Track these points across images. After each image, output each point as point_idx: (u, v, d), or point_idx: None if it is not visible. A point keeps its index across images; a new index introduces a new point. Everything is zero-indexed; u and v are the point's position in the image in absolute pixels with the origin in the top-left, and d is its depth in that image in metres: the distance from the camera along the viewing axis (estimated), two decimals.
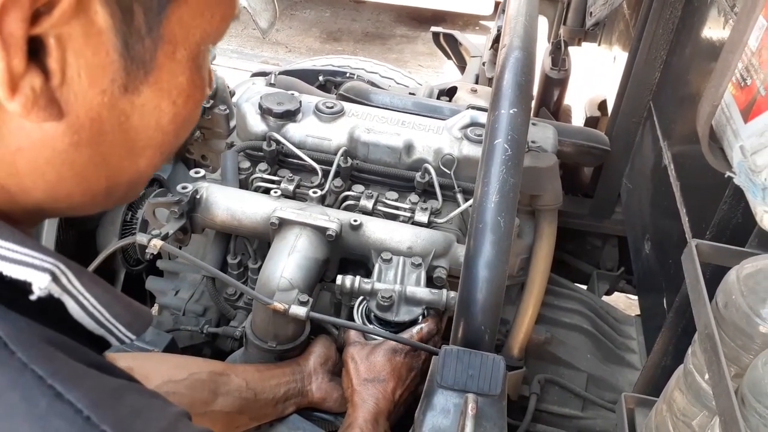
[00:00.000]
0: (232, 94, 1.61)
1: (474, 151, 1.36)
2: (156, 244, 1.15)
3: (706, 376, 0.72)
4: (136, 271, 1.70)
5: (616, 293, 1.97)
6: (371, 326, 1.09)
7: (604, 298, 1.87)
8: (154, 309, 1.66)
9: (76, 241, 1.47)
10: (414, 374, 1.06)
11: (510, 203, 0.90)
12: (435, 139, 1.38)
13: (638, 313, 1.77)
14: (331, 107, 1.42)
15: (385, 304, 1.09)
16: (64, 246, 1.38)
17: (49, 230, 1.34)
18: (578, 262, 1.93)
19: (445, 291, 1.11)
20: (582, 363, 1.48)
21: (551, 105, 2.04)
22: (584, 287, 1.85)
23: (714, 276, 0.77)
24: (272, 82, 1.74)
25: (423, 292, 1.11)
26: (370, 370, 1.03)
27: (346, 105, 1.45)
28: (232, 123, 1.50)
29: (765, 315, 0.61)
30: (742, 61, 0.73)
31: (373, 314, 1.10)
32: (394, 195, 1.35)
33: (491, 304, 0.89)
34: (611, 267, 1.94)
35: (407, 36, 5.18)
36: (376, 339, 1.08)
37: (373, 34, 5.18)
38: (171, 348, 1.25)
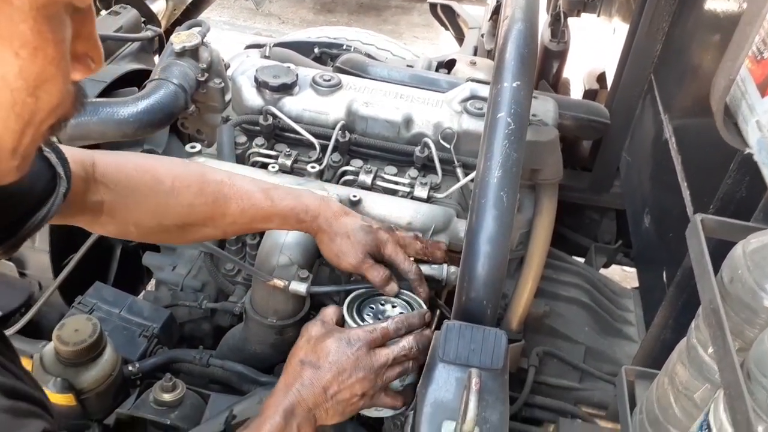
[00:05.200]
0: (227, 66, 1.58)
1: (474, 124, 1.34)
2: None
3: (710, 350, 0.72)
4: (132, 247, 1.69)
5: (612, 266, 1.98)
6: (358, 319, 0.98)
7: (601, 270, 1.88)
8: (151, 284, 1.65)
9: None
10: (362, 376, 0.87)
11: (513, 178, 0.89)
12: (434, 113, 1.36)
13: (634, 285, 1.78)
14: (329, 80, 1.40)
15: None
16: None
17: None
18: (576, 236, 1.93)
19: (445, 266, 1.11)
20: (580, 336, 1.49)
21: (550, 77, 2.02)
22: (582, 260, 1.86)
23: (716, 251, 0.77)
24: (267, 54, 1.70)
25: (423, 268, 1.10)
26: (313, 352, 0.87)
27: (344, 78, 1.43)
28: (227, 97, 1.47)
29: None
30: (759, 34, 0.71)
31: (365, 308, 1.01)
32: (393, 170, 1.34)
33: (493, 279, 0.88)
34: (609, 240, 1.95)
35: (402, 7, 5.09)
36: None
37: (368, 5, 5.09)
38: (169, 324, 1.25)
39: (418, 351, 0.91)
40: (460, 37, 2.38)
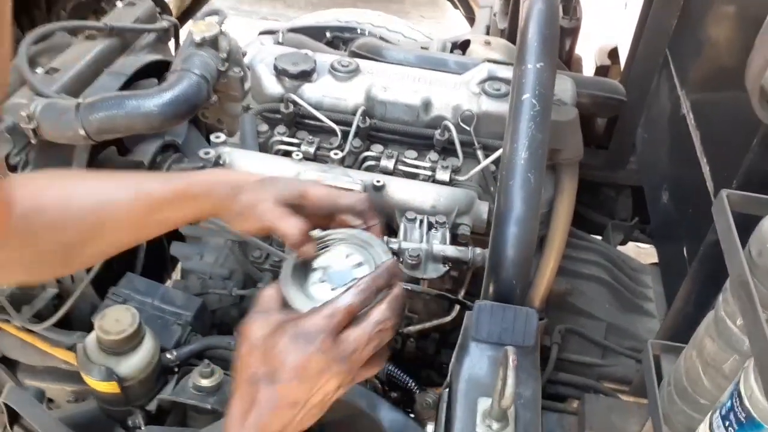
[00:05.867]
0: (243, 55, 1.59)
1: (493, 106, 1.35)
2: None
3: (738, 322, 0.75)
4: (156, 238, 1.72)
5: (628, 243, 1.99)
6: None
7: (618, 247, 1.89)
8: (177, 273, 1.68)
9: None
10: (334, 372, 0.66)
11: (539, 159, 0.91)
12: (453, 96, 1.37)
13: (650, 262, 1.80)
14: (347, 66, 1.41)
15: (413, 262, 1.11)
16: None
17: None
18: (592, 214, 1.94)
19: (470, 247, 1.13)
20: (601, 312, 1.51)
21: (563, 55, 2.01)
22: (599, 238, 1.87)
23: (740, 225, 0.79)
24: (281, 41, 1.71)
25: (450, 250, 1.13)
26: (264, 361, 0.65)
27: (361, 63, 1.44)
28: (247, 85, 1.49)
29: None
30: None
31: (313, 275, 0.74)
32: (414, 154, 1.36)
33: (522, 259, 0.91)
34: (625, 217, 1.96)
35: None
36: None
37: None
38: (202, 311, 1.29)
39: (394, 319, 0.68)
40: (470, 17, 2.38)
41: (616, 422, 1.25)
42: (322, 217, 0.80)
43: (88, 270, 1.39)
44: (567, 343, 1.46)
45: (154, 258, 1.68)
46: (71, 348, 1.33)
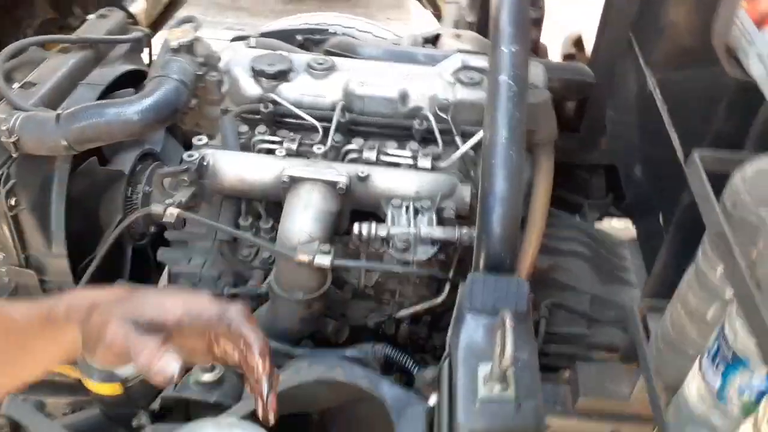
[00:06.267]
0: (218, 59, 1.60)
1: (467, 94, 1.39)
2: (173, 212, 1.18)
3: (718, 272, 0.79)
4: (140, 246, 1.72)
5: (603, 221, 2.05)
6: None
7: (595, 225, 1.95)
8: (164, 279, 1.68)
9: (81, 219, 1.48)
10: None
11: (519, 137, 0.95)
12: (428, 86, 1.41)
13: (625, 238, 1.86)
14: (323, 63, 1.44)
15: (403, 246, 1.14)
16: (74, 223, 1.39)
17: (57, 211, 1.34)
18: (568, 195, 2.00)
19: (457, 227, 1.17)
20: (584, 285, 1.56)
21: (529, 44, 2.07)
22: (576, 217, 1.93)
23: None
24: (253, 45, 1.73)
25: (437, 231, 1.16)
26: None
27: (337, 60, 1.47)
28: (224, 89, 1.50)
29: None
30: None
31: None
32: (394, 144, 1.39)
33: (509, 234, 0.94)
34: (600, 196, 2.02)
35: None
36: None
37: None
38: None
39: None
40: (437, 14, 2.42)
41: (608, 386, 1.30)
42: (193, 337, 0.72)
43: (77, 282, 1.39)
44: (554, 317, 1.51)
45: (139, 266, 1.68)
46: None
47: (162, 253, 1.47)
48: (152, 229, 1.64)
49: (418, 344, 1.43)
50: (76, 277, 1.43)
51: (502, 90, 0.95)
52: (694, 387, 0.83)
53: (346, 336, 1.36)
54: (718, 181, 0.82)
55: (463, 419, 0.80)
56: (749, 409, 0.75)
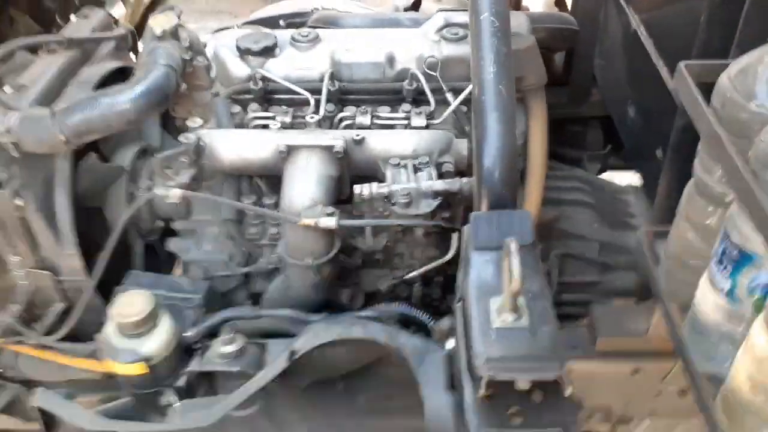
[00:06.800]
0: (204, 46, 1.61)
1: (454, 50, 1.40)
2: (176, 192, 1.19)
3: (716, 175, 0.80)
4: (150, 242, 1.73)
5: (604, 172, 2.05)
6: None
7: None
8: (178, 269, 1.70)
9: (86, 217, 1.49)
10: None
11: (507, 71, 0.96)
12: (414, 47, 1.42)
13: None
14: (307, 35, 1.44)
15: (405, 201, 1.15)
16: (81, 222, 1.41)
17: (64, 209, 1.35)
18: (566, 150, 2.00)
19: (458, 178, 1.18)
20: (591, 233, 1.57)
21: (510, 5, 2.07)
22: None
23: None
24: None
25: (438, 184, 1.17)
26: None
27: (321, 32, 1.47)
28: (212, 73, 1.51)
29: (758, 95, 0.68)
30: None
31: None
32: (387, 108, 1.40)
33: (507, 165, 0.95)
34: (598, 149, 2.02)
35: None
36: None
37: None
38: (211, 292, 1.31)
39: None
40: None
41: (626, 324, 1.30)
42: None
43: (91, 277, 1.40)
44: (565, 267, 1.51)
45: (150, 261, 1.70)
46: (91, 356, 1.34)
47: (172, 244, 1.49)
48: (159, 224, 1.65)
49: (432, 306, 1.44)
50: (90, 275, 1.44)
51: (484, 26, 0.96)
52: (705, 296, 0.84)
53: (361, 303, 1.37)
54: (706, 95, 0.82)
55: (480, 348, 0.80)
56: (760, 306, 0.75)
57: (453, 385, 1.01)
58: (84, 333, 1.47)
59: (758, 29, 0.81)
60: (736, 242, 0.73)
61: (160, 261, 1.69)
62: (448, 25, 1.43)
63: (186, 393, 1.09)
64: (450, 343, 0.97)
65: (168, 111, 1.59)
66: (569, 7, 2.05)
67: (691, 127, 0.86)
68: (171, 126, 1.80)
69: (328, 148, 1.22)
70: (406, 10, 1.85)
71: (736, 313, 0.80)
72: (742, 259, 0.73)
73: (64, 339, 1.37)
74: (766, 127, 0.66)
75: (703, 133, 0.78)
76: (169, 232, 1.53)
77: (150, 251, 1.69)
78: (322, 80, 1.39)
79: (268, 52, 1.41)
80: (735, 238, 0.73)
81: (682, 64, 0.85)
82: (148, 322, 1.06)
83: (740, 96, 0.72)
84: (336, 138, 1.23)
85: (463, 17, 1.44)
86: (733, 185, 0.71)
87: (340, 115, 1.37)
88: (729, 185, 0.74)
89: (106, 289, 1.39)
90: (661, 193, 1.16)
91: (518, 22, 1.46)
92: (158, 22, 1.35)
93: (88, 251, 1.48)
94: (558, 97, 1.94)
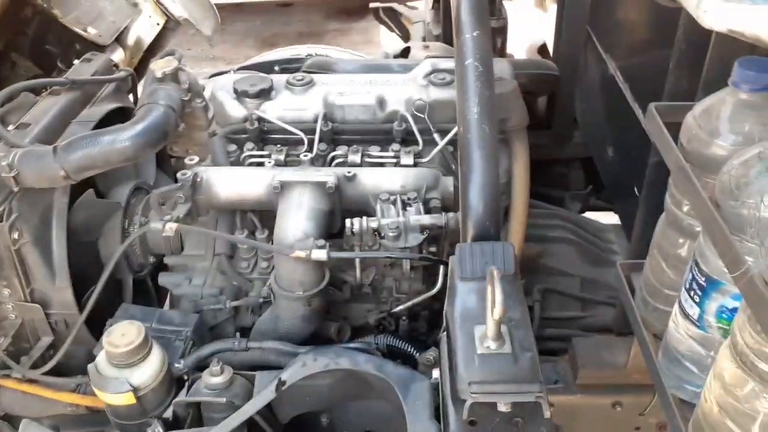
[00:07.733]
0: (202, 89, 1.68)
1: (441, 94, 1.47)
2: (171, 226, 1.23)
3: (684, 209, 0.85)
4: (140, 278, 1.75)
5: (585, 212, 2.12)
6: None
7: None
8: (167, 303, 1.71)
9: (82, 252, 1.52)
10: None
11: (490, 112, 1.02)
12: (404, 91, 1.49)
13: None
14: (301, 80, 1.52)
15: (394, 234, 1.19)
16: (75, 255, 1.43)
17: (59, 243, 1.38)
18: (549, 190, 2.07)
19: (443, 213, 1.23)
20: (573, 269, 1.62)
21: (495, 53, 2.17)
22: None
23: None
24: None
25: (425, 218, 1.22)
26: None
27: (315, 76, 1.55)
28: (210, 114, 1.57)
29: (721, 132, 0.74)
30: None
31: None
32: (377, 148, 1.46)
33: (490, 199, 1.00)
34: (580, 188, 2.09)
35: (340, 29, 5.27)
36: None
37: (307, 33, 5.25)
38: (200, 325, 1.33)
39: None
40: (405, 36, 2.54)
41: (605, 357, 1.34)
42: None
43: (81, 311, 1.42)
44: (547, 302, 1.55)
45: (138, 299, 1.71)
46: (75, 390, 1.34)
47: (163, 278, 1.51)
48: (151, 259, 1.68)
49: (419, 340, 1.47)
50: (81, 308, 1.46)
51: (469, 72, 1.02)
52: (676, 324, 0.88)
53: (348, 335, 1.40)
54: (675, 133, 0.89)
55: (463, 372, 0.83)
56: (726, 331, 0.79)
57: (437, 416, 1.03)
58: (70, 368, 1.48)
59: (719, 73, 0.88)
60: (703, 270, 0.78)
61: (150, 297, 1.71)
62: (435, 70, 1.51)
63: (173, 424, 1.10)
64: (436, 373, 1.00)
65: (163, 150, 1.64)
66: (551, 53, 2.16)
67: (663, 164, 0.92)
68: (166, 165, 1.85)
69: (321, 184, 1.27)
70: (396, 56, 1.94)
71: (706, 338, 0.84)
72: (709, 287, 0.78)
73: (50, 373, 1.38)
74: (728, 162, 0.72)
75: (672, 168, 0.84)
76: (160, 269, 1.56)
77: (141, 287, 1.71)
78: (315, 121, 1.45)
79: (264, 94, 1.48)
80: (702, 266, 0.78)
81: (652, 106, 0.91)
82: (139, 353, 1.08)
83: (704, 133, 0.78)
84: (328, 174, 1.29)
85: (449, 63, 1.52)
86: (699, 215, 0.77)
87: (333, 153, 1.43)
88: (695, 216, 0.80)
89: (94, 324, 1.41)
90: (637, 227, 1.22)
91: (501, 67, 1.54)
92: (159, 66, 1.42)
93: (81, 285, 1.50)
94: (541, 139, 2.02)
